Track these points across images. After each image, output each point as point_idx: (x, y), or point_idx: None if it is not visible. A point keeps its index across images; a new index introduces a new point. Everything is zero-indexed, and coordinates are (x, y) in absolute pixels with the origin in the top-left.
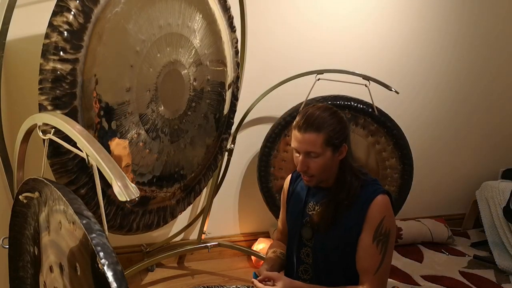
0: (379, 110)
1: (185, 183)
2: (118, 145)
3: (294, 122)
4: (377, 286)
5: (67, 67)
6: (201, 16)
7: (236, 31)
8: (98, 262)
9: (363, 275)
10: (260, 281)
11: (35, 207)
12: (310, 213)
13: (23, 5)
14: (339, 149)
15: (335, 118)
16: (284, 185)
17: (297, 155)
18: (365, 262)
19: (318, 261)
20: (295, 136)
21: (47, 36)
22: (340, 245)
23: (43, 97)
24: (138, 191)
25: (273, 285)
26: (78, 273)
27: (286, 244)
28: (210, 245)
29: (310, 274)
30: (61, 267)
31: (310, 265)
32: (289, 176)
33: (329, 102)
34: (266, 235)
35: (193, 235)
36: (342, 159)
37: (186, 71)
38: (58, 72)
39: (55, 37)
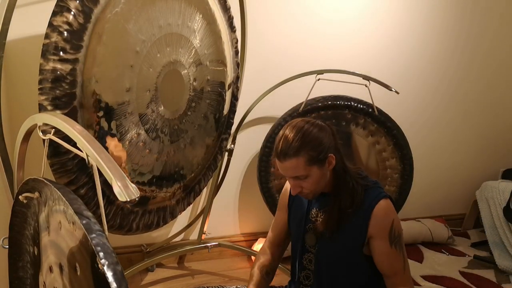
0: (379, 110)
1: (185, 183)
2: (117, 145)
3: (274, 149)
4: (410, 281)
5: (67, 67)
6: (201, 16)
7: (236, 31)
8: (98, 262)
9: (394, 277)
10: None
11: (35, 207)
12: (313, 219)
13: (23, 5)
14: (325, 161)
15: (311, 134)
16: (284, 190)
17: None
18: (392, 266)
19: (321, 267)
20: (277, 164)
21: (47, 36)
22: (344, 251)
23: (43, 97)
24: (138, 191)
25: None
26: (78, 273)
27: (277, 254)
28: (210, 245)
29: (312, 280)
30: (61, 267)
31: (312, 271)
32: None
33: (329, 102)
34: (266, 235)
35: (193, 235)
36: (335, 167)
37: (186, 71)
38: (58, 72)
39: (55, 37)
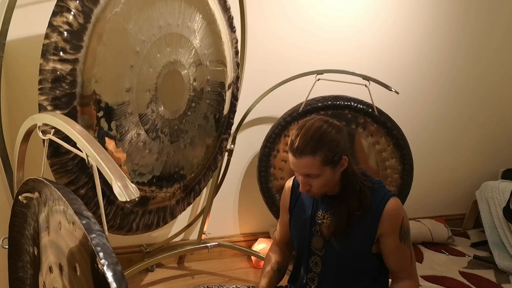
0: (379, 110)
1: (185, 183)
2: (118, 145)
3: (288, 143)
4: (415, 274)
5: (67, 67)
6: (201, 16)
7: (236, 31)
8: (98, 262)
9: (400, 271)
10: None
11: (35, 207)
12: (319, 221)
13: (23, 5)
14: (339, 163)
15: (330, 135)
16: (285, 191)
17: (297, 174)
18: (399, 261)
19: (329, 270)
20: (291, 160)
21: (47, 36)
22: (353, 253)
23: (43, 97)
24: (138, 191)
25: None
26: (78, 273)
27: (286, 253)
28: (210, 245)
29: (317, 283)
30: (60, 267)
31: (318, 274)
32: (291, 181)
33: (329, 102)
34: (266, 235)
35: (193, 235)
36: (345, 169)
37: (186, 71)
38: (58, 72)
39: (55, 37)
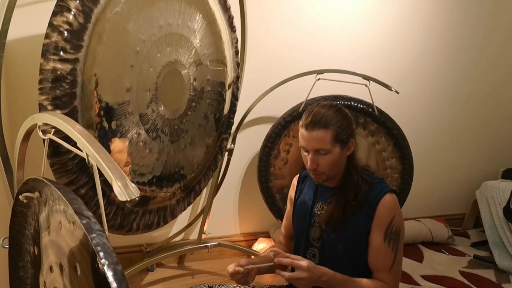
0: (379, 110)
1: (185, 183)
2: (118, 145)
3: (301, 121)
4: (393, 282)
5: (67, 67)
6: (201, 16)
7: (236, 31)
8: (98, 262)
9: (378, 273)
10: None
11: (35, 207)
12: (318, 213)
13: (23, 5)
14: (347, 144)
15: (341, 115)
16: (292, 184)
17: (306, 153)
18: (378, 261)
19: (325, 261)
20: (303, 135)
21: (47, 36)
22: (349, 245)
23: (43, 97)
24: (138, 191)
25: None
26: (78, 273)
27: (290, 247)
28: (210, 245)
29: None
30: (61, 267)
31: None
32: (297, 176)
33: None
34: (266, 235)
35: (193, 235)
36: (349, 156)
37: (186, 71)
38: (58, 72)
39: (55, 37)
